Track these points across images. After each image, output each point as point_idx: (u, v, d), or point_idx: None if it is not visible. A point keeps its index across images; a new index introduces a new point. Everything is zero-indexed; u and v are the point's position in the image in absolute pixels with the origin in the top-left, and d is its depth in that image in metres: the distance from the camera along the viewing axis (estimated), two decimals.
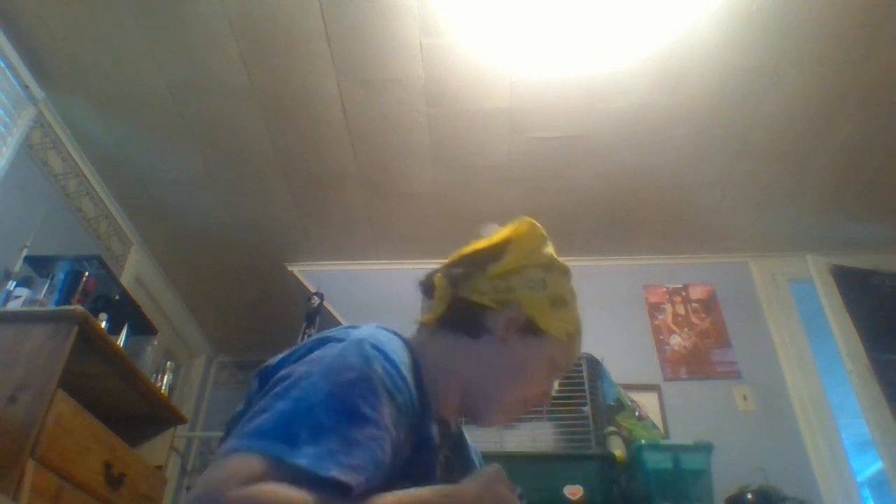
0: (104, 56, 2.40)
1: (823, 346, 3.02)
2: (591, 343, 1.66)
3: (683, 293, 3.31)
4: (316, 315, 3.14)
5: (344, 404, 0.65)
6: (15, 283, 2.26)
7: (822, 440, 2.79)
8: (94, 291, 2.40)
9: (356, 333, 0.75)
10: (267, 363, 0.78)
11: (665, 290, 3.33)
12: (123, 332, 2.53)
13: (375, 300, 3.34)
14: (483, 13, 2.25)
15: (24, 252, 2.40)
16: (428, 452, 0.75)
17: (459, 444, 0.92)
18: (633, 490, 2.48)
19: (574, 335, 0.90)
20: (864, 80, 2.48)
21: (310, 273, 3.42)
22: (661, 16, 2.26)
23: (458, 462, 0.88)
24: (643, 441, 2.46)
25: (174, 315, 3.72)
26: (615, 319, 3.12)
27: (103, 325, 2.31)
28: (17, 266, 2.36)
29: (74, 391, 1.83)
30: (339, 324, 3.38)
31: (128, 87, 2.52)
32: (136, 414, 2.43)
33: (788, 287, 3.28)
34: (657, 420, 2.83)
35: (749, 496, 2.44)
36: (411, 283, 3.88)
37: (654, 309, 3.26)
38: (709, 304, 3.26)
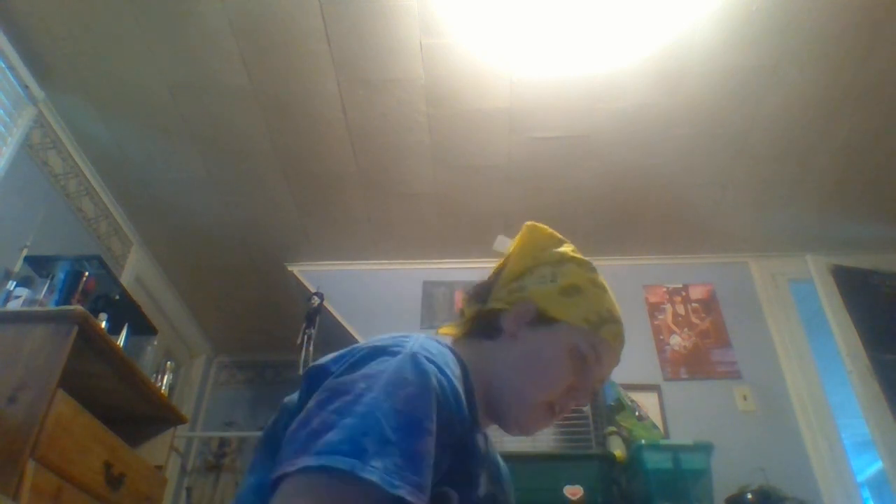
0: (104, 56, 2.40)
1: (823, 346, 3.02)
2: None
3: (683, 293, 3.31)
4: (316, 315, 3.14)
5: (406, 418, 0.66)
6: (15, 283, 2.26)
7: (822, 440, 2.79)
8: (94, 291, 2.40)
9: (409, 345, 0.75)
10: (315, 364, 0.78)
11: (665, 290, 3.33)
12: (123, 332, 2.53)
13: (375, 300, 3.34)
14: (483, 13, 2.25)
15: (24, 252, 2.40)
16: (473, 461, 0.76)
17: (491, 448, 0.92)
18: (633, 490, 2.48)
19: (597, 322, 0.88)
20: (864, 80, 2.48)
21: (310, 273, 3.42)
22: (661, 16, 2.26)
23: (492, 468, 0.88)
24: (643, 441, 2.47)
25: (174, 315, 3.72)
26: None
27: (103, 325, 2.31)
28: (17, 266, 2.36)
29: (74, 391, 1.83)
30: (339, 324, 3.39)
31: (128, 87, 2.52)
32: (136, 414, 2.43)
33: (788, 287, 3.29)
34: (657, 420, 2.83)
35: (749, 496, 2.44)
36: (411, 283, 3.87)
37: (654, 309, 3.26)
38: (709, 304, 3.26)
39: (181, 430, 3.21)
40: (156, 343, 2.98)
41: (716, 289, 3.30)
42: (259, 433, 3.98)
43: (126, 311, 2.60)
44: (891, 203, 3.06)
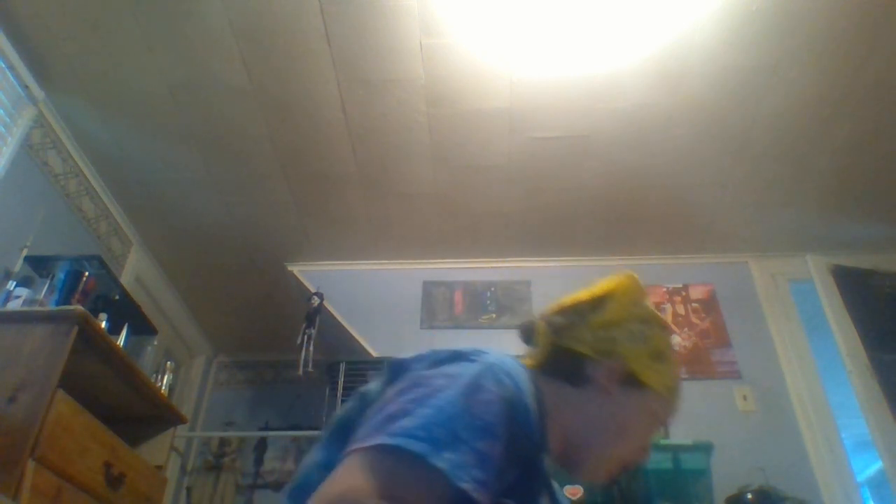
0: (104, 56, 2.40)
1: (823, 346, 3.02)
2: None
3: (683, 293, 3.31)
4: (316, 315, 3.15)
5: (478, 421, 0.68)
6: (15, 283, 2.26)
7: (822, 440, 2.79)
8: (94, 291, 2.40)
9: (488, 358, 0.77)
10: (397, 359, 0.82)
11: (665, 290, 3.33)
12: (123, 332, 2.53)
13: (375, 300, 3.35)
14: (483, 13, 2.25)
15: (24, 252, 2.40)
16: (536, 480, 0.78)
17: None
18: (633, 490, 2.48)
19: (674, 390, 0.92)
20: (864, 80, 2.48)
21: (310, 273, 3.42)
22: (661, 16, 2.26)
23: (552, 494, 0.90)
24: None
25: (174, 315, 3.72)
26: None
27: (103, 325, 2.31)
28: (17, 266, 2.36)
29: (74, 391, 1.83)
30: (339, 324, 3.40)
31: (128, 87, 2.52)
32: (136, 414, 2.43)
33: (788, 287, 3.29)
34: None
35: (749, 496, 2.44)
36: (411, 283, 3.86)
37: (654, 309, 3.25)
38: (709, 304, 3.26)
39: (181, 430, 3.21)
40: (156, 343, 2.98)
41: (716, 289, 3.30)
42: (259, 433, 3.97)
43: (126, 311, 2.60)
44: (891, 203, 3.06)
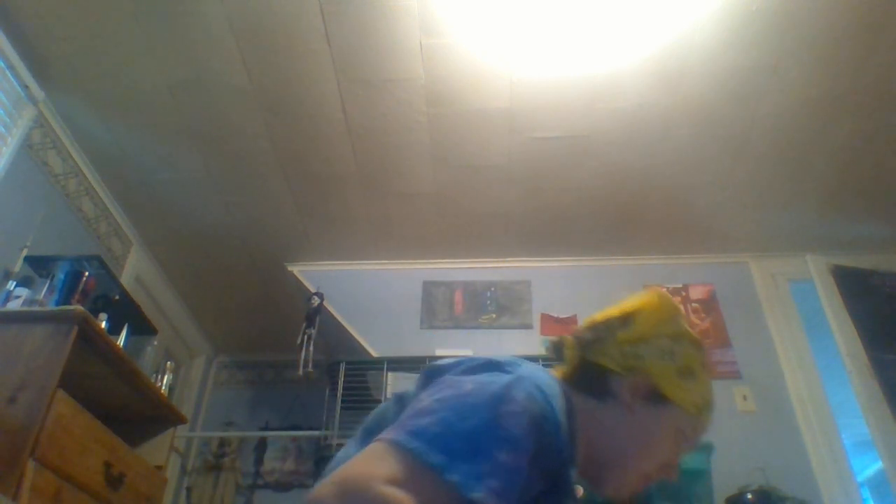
0: (104, 56, 2.40)
1: (823, 346, 3.02)
2: None
3: (683, 293, 3.31)
4: (316, 315, 3.15)
5: (502, 432, 0.69)
6: (15, 283, 2.26)
7: (822, 440, 2.79)
8: (94, 291, 2.40)
9: (522, 370, 0.79)
10: (434, 364, 0.85)
11: (665, 290, 3.33)
12: (123, 332, 2.53)
13: (375, 300, 3.35)
14: (483, 13, 2.25)
15: (24, 252, 2.40)
16: (562, 494, 0.79)
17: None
18: None
19: (703, 408, 0.90)
20: (864, 80, 2.48)
21: (310, 273, 3.42)
22: (661, 16, 2.26)
23: None
24: None
25: (174, 315, 3.72)
26: None
27: (103, 325, 2.30)
28: (17, 266, 2.36)
29: (74, 391, 1.83)
30: (339, 324, 3.39)
31: (128, 87, 2.52)
32: (136, 414, 2.43)
33: (788, 287, 3.29)
34: None
35: (749, 496, 2.44)
36: (411, 283, 3.85)
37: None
38: (709, 304, 3.26)
39: (181, 430, 3.21)
40: (156, 343, 2.98)
41: (716, 289, 3.30)
42: (259, 433, 3.97)
43: (126, 311, 2.60)
44: (891, 203, 3.06)
